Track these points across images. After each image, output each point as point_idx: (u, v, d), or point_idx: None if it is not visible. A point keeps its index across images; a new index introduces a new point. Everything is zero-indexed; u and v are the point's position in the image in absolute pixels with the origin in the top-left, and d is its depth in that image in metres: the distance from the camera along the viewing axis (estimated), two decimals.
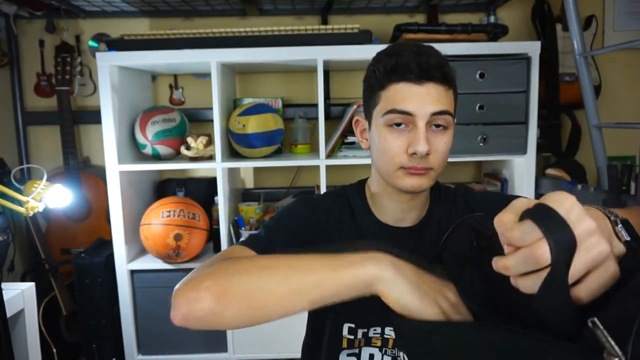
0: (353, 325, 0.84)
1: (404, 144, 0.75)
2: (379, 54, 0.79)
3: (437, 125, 0.75)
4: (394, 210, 0.85)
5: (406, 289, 0.55)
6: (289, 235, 0.81)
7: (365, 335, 0.84)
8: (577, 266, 0.40)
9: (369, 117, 0.81)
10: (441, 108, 0.73)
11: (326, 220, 0.86)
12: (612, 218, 0.49)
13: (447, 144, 0.77)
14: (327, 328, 0.86)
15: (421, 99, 0.73)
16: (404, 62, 0.73)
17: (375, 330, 0.84)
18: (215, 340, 1.75)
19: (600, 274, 0.41)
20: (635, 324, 0.35)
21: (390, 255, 0.59)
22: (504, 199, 0.86)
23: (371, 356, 0.84)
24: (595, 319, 0.37)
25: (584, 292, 0.41)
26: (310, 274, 0.59)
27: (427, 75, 0.72)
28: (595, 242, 0.41)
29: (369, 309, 0.84)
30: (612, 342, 0.36)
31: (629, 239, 0.47)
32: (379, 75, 0.76)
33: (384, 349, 0.84)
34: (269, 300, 0.59)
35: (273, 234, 0.81)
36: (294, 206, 0.87)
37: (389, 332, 0.83)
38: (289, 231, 0.82)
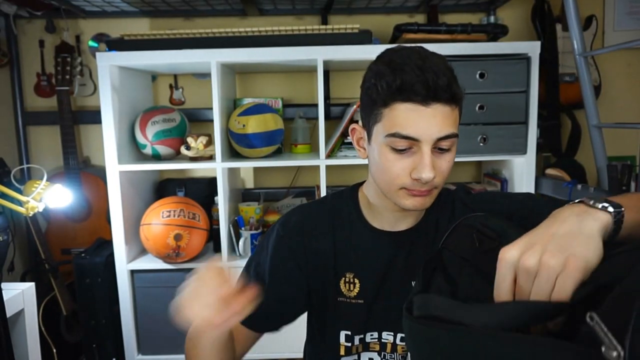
0: (349, 333, 0.84)
1: (407, 166, 0.71)
2: (380, 65, 0.72)
3: (441, 149, 0.72)
4: (391, 217, 0.84)
5: None
6: (268, 291, 0.83)
7: (362, 340, 0.84)
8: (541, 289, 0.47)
9: (368, 130, 0.76)
10: (447, 132, 0.70)
11: (301, 241, 0.86)
12: (586, 201, 0.54)
13: (451, 162, 0.74)
14: (325, 335, 0.86)
15: (426, 123, 0.69)
16: (410, 82, 0.67)
17: (372, 335, 0.84)
18: None
19: (566, 277, 0.46)
20: (633, 317, 0.35)
21: None
22: (505, 197, 0.85)
23: None
24: (594, 314, 0.37)
25: (560, 294, 0.46)
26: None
27: (434, 96, 0.68)
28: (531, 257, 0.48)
29: (362, 316, 0.84)
30: (611, 336, 0.36)
31: (604, 204, 0.52)
32: (382, 92, 0.70)
33: (382, 353, 0.84)
34: None
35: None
36: (268, 254, 0.87)
37: (387, 336, 0.83)
38: (267, 287, 0.84)
